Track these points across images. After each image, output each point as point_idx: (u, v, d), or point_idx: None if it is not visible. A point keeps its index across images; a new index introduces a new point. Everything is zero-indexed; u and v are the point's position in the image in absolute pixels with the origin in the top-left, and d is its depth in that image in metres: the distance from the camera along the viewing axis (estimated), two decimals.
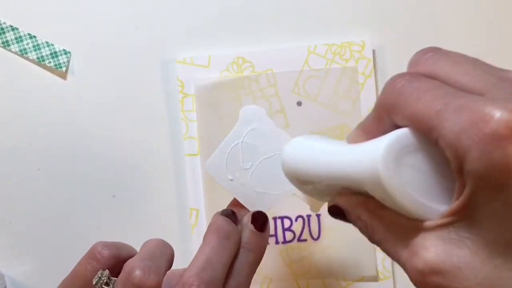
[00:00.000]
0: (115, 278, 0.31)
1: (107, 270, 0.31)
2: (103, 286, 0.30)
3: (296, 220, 0.47)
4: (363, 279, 0.47)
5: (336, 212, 0.27)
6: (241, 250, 0.33)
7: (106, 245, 0.32)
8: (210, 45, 0.48)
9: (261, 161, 0.36)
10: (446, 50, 0.24)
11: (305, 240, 0.47)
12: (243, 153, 0.35)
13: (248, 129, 0.36)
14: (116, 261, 0.32)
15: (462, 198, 0.21)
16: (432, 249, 0.22)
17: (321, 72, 0.47)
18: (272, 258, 0.47)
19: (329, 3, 0.48)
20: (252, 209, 0.36)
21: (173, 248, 0.34)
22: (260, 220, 0.34)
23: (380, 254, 0.47)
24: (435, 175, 0.23)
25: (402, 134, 0.23)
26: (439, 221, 0.22)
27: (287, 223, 0.47)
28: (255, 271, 0.34)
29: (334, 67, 0.47)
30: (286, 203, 0.48)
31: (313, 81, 0.47)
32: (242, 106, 0.37)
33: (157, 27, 0.48)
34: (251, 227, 0.34)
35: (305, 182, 0.29)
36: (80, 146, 0.48)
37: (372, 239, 0.25)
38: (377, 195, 0.23)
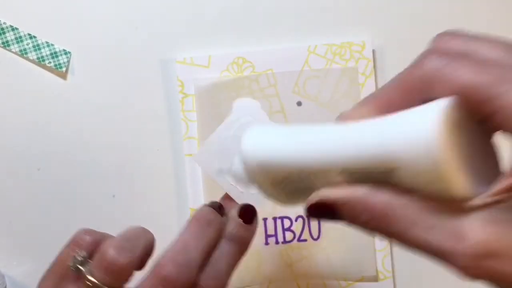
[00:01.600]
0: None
1: (83, 251, 0.30)
2: (78, 266, 0.30)
3: (296, 220, 0.47)
4: (363, 279, 0.47)
5: (322, 209, 0.23)
6: (223, 239, 0.32)
7: (88, 231, 0.32)
8: (210, 45, 0.48)
9: None
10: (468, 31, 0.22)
11: (305, 240, 0.47)
12: (235, 146, 0.35)
13: (241, 122, 0.35)
14: (97, 247, 0.31)
15: None
16: (482, 230, 0.19)
17: (321, 72, 0.47)
18: (272, 258, 0.47)
19: (329, 3, 0.48)
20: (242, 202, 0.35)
21: None
22: (247, 212, 0.33)
23: (380, 254, 0.47)
24: (478, 154, 0.21)
25: (452, 103, 0.20)
26: (489, 199, 0.19)
27: (287, 223, 0.47)
28: (237, 263, 0.33)
29: (334, 67, 0.47)
30: None
31: (313, 81, 0.47)
32: None
33: (157, 28, 0.48)
34: (237, 218, 0.33)
35: (282, 179, 0.24)
36: (80, 146, 0.48)
37: (387, 232, 0.21)
38: (413, 173, 0.20)
